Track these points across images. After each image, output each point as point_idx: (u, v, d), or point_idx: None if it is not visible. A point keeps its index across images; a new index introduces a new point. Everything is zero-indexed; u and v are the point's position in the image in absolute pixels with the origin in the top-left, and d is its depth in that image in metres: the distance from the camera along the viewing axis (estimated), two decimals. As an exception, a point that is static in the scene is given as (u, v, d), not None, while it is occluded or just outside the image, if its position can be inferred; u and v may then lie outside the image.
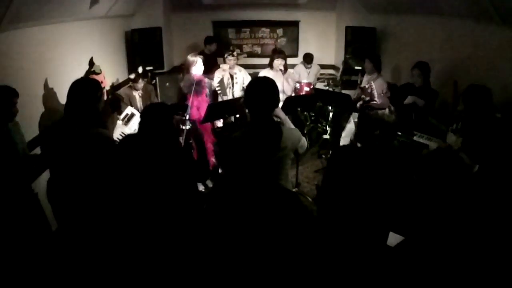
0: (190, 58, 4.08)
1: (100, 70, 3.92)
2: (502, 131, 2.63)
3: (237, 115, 3.95)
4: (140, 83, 4.52)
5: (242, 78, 4.81)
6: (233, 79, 4.72)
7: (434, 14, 4.34)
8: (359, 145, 2.32)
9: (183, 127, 3.78)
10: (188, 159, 2.54)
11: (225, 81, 4.78)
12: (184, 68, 4.18)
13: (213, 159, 4.44)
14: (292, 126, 2.40)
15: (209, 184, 4.56)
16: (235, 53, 4.84)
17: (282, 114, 2.40)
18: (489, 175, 2.52)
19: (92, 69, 3.85)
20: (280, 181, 2.25)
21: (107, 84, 3.94)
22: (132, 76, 4.52)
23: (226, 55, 4.76)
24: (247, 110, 2.29)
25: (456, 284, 2.42)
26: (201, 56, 4.20)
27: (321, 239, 2.38)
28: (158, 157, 2.18)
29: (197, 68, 4.06)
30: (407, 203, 2.29)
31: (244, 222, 2.31)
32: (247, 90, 2.24)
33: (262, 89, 2.16)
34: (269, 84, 2.18)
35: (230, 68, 4.78)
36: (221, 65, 4.73)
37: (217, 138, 4.40)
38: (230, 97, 4.72)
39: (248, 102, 2.20)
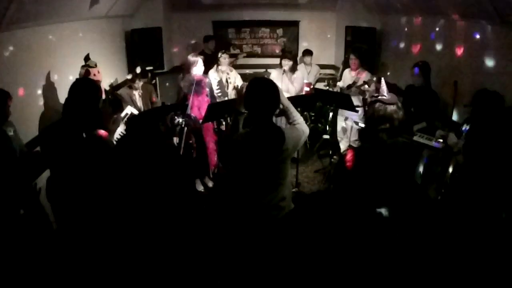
0: (191, 58, 4.08)
1: (95, 64, 3.91)
2: (504, 132, 2.63)
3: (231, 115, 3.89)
4: (138, 83, 4.51)
5: (234, 78, 4.79)
6: (228, 79, 4.70)
7: (434, 14, 4.34)
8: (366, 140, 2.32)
9: (178, 121, 3.74)
10: (183, 159, 2.54)
11: (223, 82, 4.75)
12: (185, 68, 4.17)
13: (215, 158, 4.42)
14: (297, 114, 2.32)
15: (209, 184, 4.55)
16: (227, 53, 4.77)
17: (286, 102, 2.31)
18: (492, 178, 2.52)
19: (87, 63, 3.85)
20: (281, 181, 2.24)
21: (101, 78, 3.93)
22: (129, 76, 4.51)
23: (220, 54, 4.63)
24: (244, 111, 2.27)
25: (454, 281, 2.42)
26: (202, 57, 4.18)
27: (324, 241, 2.39)
28: (148, 160, 2.17)
29: (198, 68, 4.06)
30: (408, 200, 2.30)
31: (245, 223, 2.31)
32: (248, 92, 2.18)
33: (262, 90, 2.13)
34: (270, 85, 2.15)
35: (224, 67, 4.71)
36: (219, 67, 4.65)
37: (218, 138, 4.39)
38: (227, 97, 4.68)
39: (249, 104, 2.15)
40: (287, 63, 4.72)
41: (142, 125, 2.19)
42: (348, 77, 4.80)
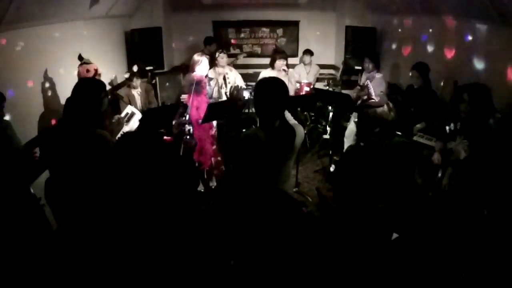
0: (196, 57, 4.06)
1: (90, 61, 3.92)
2: (502, 131, 2.63)
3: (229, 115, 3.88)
4: (136, 81, 4.51)
5: (234, 78, 4.77)
6: (225, 79, 4.68)
7: (434, 14, 4.34)
8: (362, 144, 2.33)
9: (185, 128, 3.78)
10: (183, 159, 2.54)
11: (219, 83, 4.72)
12: (189, 66, 4.16)
13: (211, 160, 4.40)
14: (286, 111, 2.34)
15: (211, 183, 4.55)
16: (225, 52, 4.75)
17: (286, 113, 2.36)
18: (490, 174, 2.52)
19: (83, 61, 3.85)
20: (284, 179, 2.24)
21: (102, 72, 3.94)
22: (127, 75, 4.52)
23: (217, 54, 4.60)
24: (248, 110, 2.28)
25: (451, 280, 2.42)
26: (208, 56, 4.17)
27: (322, 241, 2.39)
28: (155, 158, 2.17)
29: (202, 67, 4.04)
30: (407, 201, 2.30)
31: (248, 223, 2.31)
32: (259, 91, 2.18)
33: (274, 89, 2.13)
34: (280, 84, 2.16)
35: (222, 67, 4.69)
36: (216, 69, 4.63)
37: (219, 138, 4.38)
38: (223, 97, 4.66)
39: (260, 103, 2.15)
40: (282, 63, 4.70)
41: (158, 120, 2.19)
42: (364, 80, 4.80)
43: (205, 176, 4.53)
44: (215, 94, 4.43)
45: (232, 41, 7.20)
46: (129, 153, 2.23)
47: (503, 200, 2.47)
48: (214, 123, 4.37)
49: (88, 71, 3.80)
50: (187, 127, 3.78)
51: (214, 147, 4.39)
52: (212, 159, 4.39)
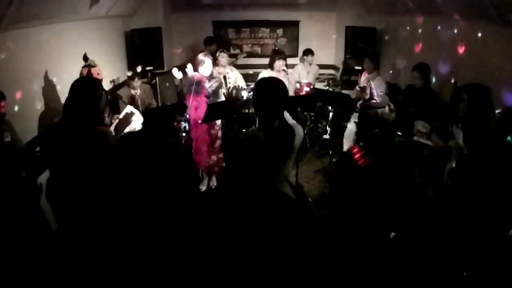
0: (200, 57, 4.05)
1: (95, 63, 3.92)
2: (502, 131, 2.63)
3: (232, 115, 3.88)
4: (137, 82, 4.51)
5: (235, 78, 4.75)
6: (226, 79, 4.67)
7: (434, 14, 4.34)
8: (361, 143, 2.34)
9: (181, 126, 3.79)
10: (186, 160, 2.54)
11: (221, 82, 4.72)
12: (182, 67, 4.17)
13: (206, 161, 4.39)
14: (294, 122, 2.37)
15: (211, 183, 4.55)
16: (225, 51, 4.75)
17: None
18: (489, 173, 2.52)
19: (88, 63, 3.84)
20: (282, 179, 2.25)
21: (103, 76, 3.94)
22: (129, 73, 4.51)
23: (218, 53, 4.59)
24: (248, 110, 2.29)
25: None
26: (211, 58, 4.17)
27: (322, 242, 2.39)
28: (158, 158, 2.17)
29: (205, 68, 4.03)
30: (407, 201, 2.30)
31: (247, 224, 2.31)
32: (258, 91, 2.19)
33: (273, 90, 2.14)
34: (279, 84, 2.17)
35: (222, 67, 4.68)
36: (216, 68, 4.62)
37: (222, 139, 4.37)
38: (222, 97, 4.66)
39: (259, 103, 2.16)
40: (281, 64, 4.70)
41: (160, 120, 2.19)
42: (364, 81, 4.81)
43: (201, 176, 4.53)
44: (211, 89, 4.43)
45: (232, 41, 7.21)
46: (131, 153, 2.23)
47: (503, 199, 2.47)
48: (218, 122, 4.37)
49: (90, 73, 3.80)
50: (183, 124, 3.78)
51: (216, 144, 4.38)
52: (212, 156, 4.38)
